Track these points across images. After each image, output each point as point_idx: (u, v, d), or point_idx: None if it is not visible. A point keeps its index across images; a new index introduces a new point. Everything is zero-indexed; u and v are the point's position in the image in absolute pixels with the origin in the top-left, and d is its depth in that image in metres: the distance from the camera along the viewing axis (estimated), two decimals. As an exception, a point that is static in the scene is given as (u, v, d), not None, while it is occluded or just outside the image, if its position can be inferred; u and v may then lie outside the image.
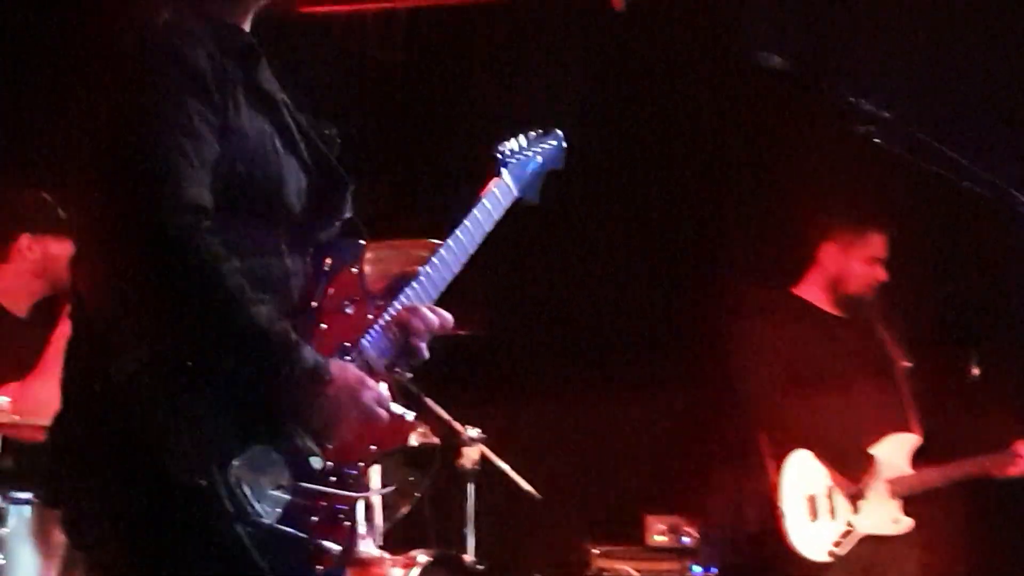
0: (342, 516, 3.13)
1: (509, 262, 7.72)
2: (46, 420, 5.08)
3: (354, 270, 3.27)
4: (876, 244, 6.55)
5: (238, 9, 3.21)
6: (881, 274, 6.53)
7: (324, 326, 3.16)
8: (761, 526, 6.22)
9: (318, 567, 3.07)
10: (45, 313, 5.83)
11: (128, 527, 2.94)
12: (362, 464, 3.20)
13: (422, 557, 5.78)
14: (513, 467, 6.45)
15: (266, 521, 2.92)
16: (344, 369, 3.06)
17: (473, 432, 6.25)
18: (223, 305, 2.87)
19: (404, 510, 6.09)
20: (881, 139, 4.12)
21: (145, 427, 2.86)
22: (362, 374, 3.10)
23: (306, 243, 3.19)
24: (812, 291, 6.60)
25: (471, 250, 3.51)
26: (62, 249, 5.74)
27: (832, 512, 6.16)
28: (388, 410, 3.12)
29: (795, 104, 6.73)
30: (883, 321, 6.60)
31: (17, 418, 5.08)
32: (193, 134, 2.91)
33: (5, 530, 5.03)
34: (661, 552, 7.40)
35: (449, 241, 3.48)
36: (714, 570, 7.28)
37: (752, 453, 6.31)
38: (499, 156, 3.71)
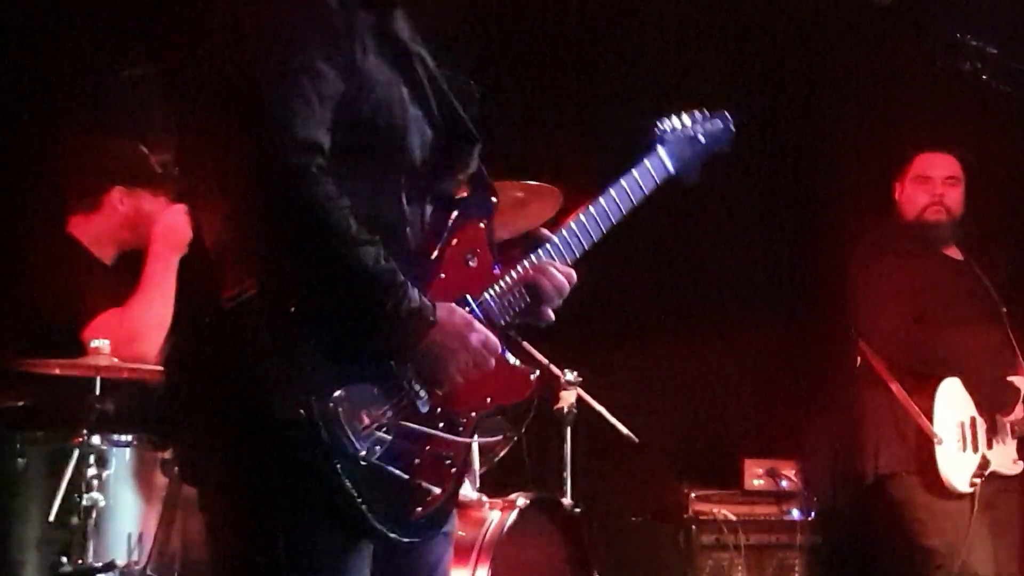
0: (448, 462, 3.13)
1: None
2: (145, 363, 5.22)
3: (481, 225, 3.26)
4: (922, 162, 6.48)
5: None
6: (933, 190, 6.42)
7: (443, 275, 3.15)
8: (909, 456, 6.15)
9: (416, 509, 3.07)
10: (130, 262, 5.86)
11: (229, 458, 2.97)
12: (474, 413, 3.19)
13: (520, 500, 5.77)
14: (610, 410, 6.43)
15: (365, 457, 2.92)
16: (452, 312, 3.05)
17: (570, 375, 6.23)
18: (329, 243, 2.89)
19: (501, 453, 6.10)
20: (988, 76, 4.05)
21: (249, 357, 2.90)
22: (471, 318, 3.08)
23: (427, 194, 3.18)
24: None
25: (613, 220, 3.47)
26: (155, 205, 5.76)
27: (975, 443, 6.08)
28: (497, 356, 3.10)
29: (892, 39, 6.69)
30: (982, 263, 6.51)
31: (116, 360, 5.11)
32: (313, 71, 2.92)
33: (107, 472, 5.07)
34: (759, 496, 7.37)
35: (591, 206, 3.44)
36: (812, 514, 7.25)
37: (880, 387, 6.23)
38: (657, 132, 3.67)
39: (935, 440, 5.98)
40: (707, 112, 3.82)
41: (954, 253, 6.52)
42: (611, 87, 7.84)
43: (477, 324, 3.08)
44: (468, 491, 5.63)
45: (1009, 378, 6.23)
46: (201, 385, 2.99)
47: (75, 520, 4.97)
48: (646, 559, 7.24)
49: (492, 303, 3.22)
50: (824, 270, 6.94)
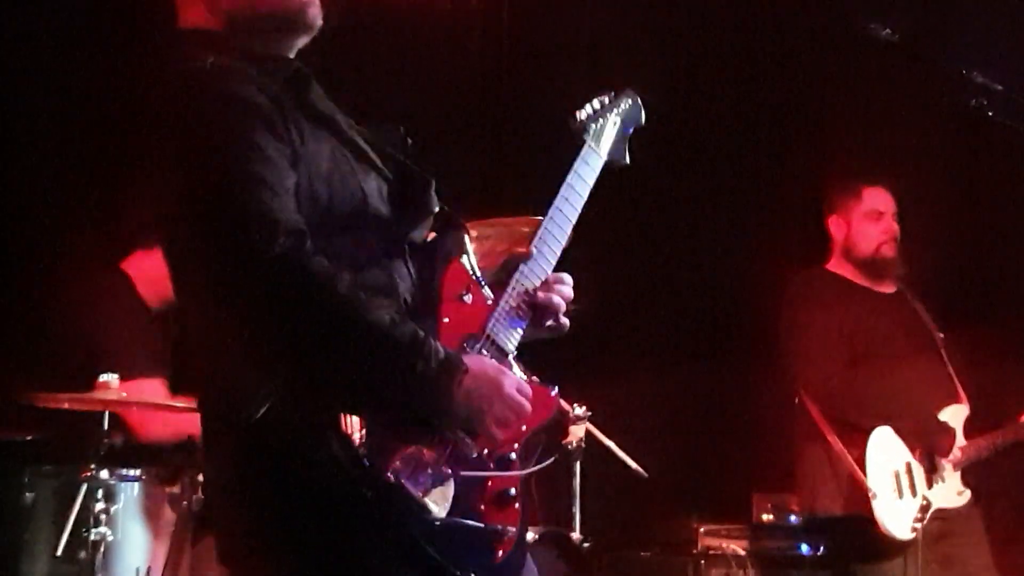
0: (511, 498, 3.13)
1: (614, 240, 7.70)
2: (154, 399, 5.23)
3: (462, 260, 3.26)
4: (872, 198, 6.45)
5: (282, 44, 3.22)
6: (887, 226, 6.42)
7: (446, 320, 3.15)
8: (846, 506, 6.15)
9: (499, 552, 3.08)
10: (175, 314, 5.88)
11: (310, 558, 2.94)
12: (516, 444, 3.19)
13: (529, 534, 5.75)
14: (619, 445, 6.42)
15: (437, 515, 2.93)
16: (481, 361, 3.05)
17: (579, 410, 6.22)
18: (343, 318, 2.85)
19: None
20: (994, 112, 4.06)
21: (295, 460, 2.87)
22: (499, 365, 3.08)
23: (401, 247, 3.18)
24: (840, 266, 6.51)
25: (573, 220, 3.49)
26: None
27: (913, 488, 6.06)
28: (528, 396, 3.09)
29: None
30: (915, 291, 6.53)
31: (125, 395, 5.12)
32: (271, 164, 2.91)
33: (115, 507, 5.08)
34: (768, 530, 7.35)
35: (550, 214, 3.46)
36: (822, 549, 7.22)
37: (817, 434, 6.23)
38: (578, 124, 3.66)
39: (870, 494, 5.96)
40: (613, 93, 3.81)
41: (886, 287, 6.51)
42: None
43: (507, 371, 3.08)
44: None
45: (941, 416, 6.20)
46: (254, 501, 2.96)
47: (83, 554, 4.98)
48: (655, 594, 7.22)
49: (498, 334, 3.22)
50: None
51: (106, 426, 5.10)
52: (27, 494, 5.11)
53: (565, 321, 3.37)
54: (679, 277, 8.06)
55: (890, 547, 6.01)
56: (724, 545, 7.16)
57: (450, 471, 2.99)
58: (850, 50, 6.26)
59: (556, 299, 3.33)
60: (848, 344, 6.20)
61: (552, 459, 3.41)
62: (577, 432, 6.23)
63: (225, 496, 3.07)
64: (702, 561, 7.07)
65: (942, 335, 6.43)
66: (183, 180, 2.93)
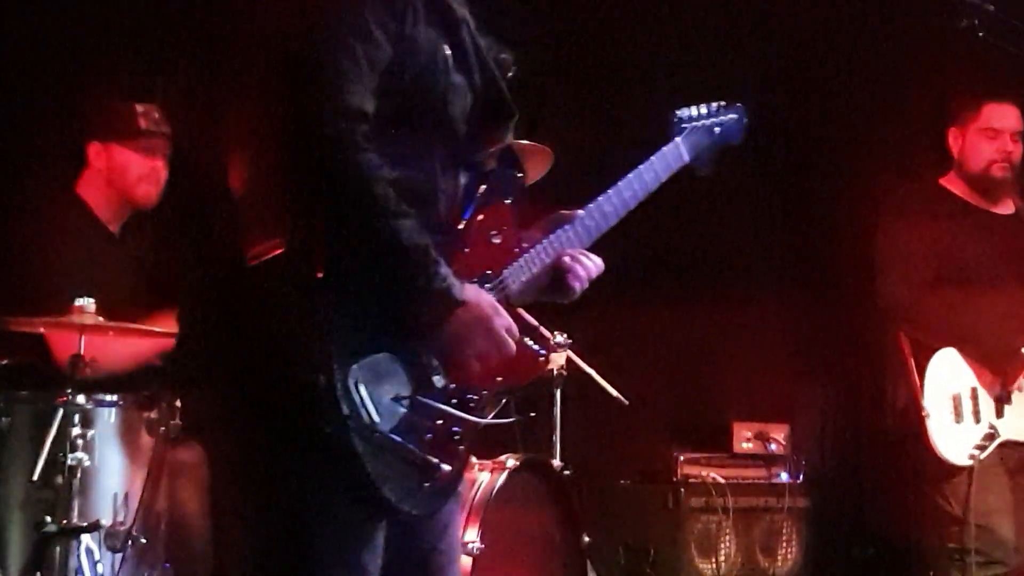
0: (457, 438, 3.12)
1: (586, 173, 7.64)
2: (129, 324, 5.18)
3: (507, 202, 3.27)
4: (991, 114, 6.28)
5: None
6: (1001, 146, 6.26)
7: (467, 250, 3.16)
8: (902, 427, 6.11)
9: (424, 483, 3.05)
10: (135, 232, 5.81)
11: (244, 417, 2.99)
12: (485, 392, 3.19)
13: (510, 461, 5.76)
14: (600, 372, 6.40)
15: (379, 428, 2.91)
16: (479, 295, 3.07)
17: (560, 337, 6.19)
18: (368, 213, 2.89)
19: (490, 415, 6.06)
20: (984, 32, 4.01)
21: (271, 316, 2.90)
22: (496, 303, 3.09)
23: (460, 164, 3.19)
24: (953, 181, 6.37)
25: (631, 205, 3.51)
26: (126, 158, 5.68)
27: (976, 414, 6.00)
28: (517, 342, 3.11)
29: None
30: None
31: (102, 320, 5.07)
32: (367, 38, 2.93)
33: (92, 432, 5.04)
34: (748, 459, 7.36)
35: (611, 191, 3.47)
36: (801, 477, 7.24)
37: (890, 353, 6.18)
38: (675, 120, 3.70)
39: (924, 413, 5.92)
40: (723, 104, 3.83)
41: (1003, 207, 6.39)
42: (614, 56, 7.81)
43: (501, 310, 3.09)
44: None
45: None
46: (218, 340, 3.01)
47: (59, 480, 4.94)
48: (635, 521, 7.21)
49: (511, 282, 3.24)
50: (818, 235, 6.90)
51: (82, 350, 5.05)
52: (3, 419, 5.07)
53: (576, 293, 3.36)
54: (662, 204, 7.99)
55: (948, 471, 5.97)
56: (704, 473, 7.18)
57: (408, 392, 2.99)
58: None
59: (581, 271, 3.33)
60: (937, 262, 6.11)
61: (512, 420, 3.43)
62: (558, 360, 6.21)
63: (197, 324, 3.11)
64: (682, 489, 7.09)
65: None
66: (277, 28, 2.96)
